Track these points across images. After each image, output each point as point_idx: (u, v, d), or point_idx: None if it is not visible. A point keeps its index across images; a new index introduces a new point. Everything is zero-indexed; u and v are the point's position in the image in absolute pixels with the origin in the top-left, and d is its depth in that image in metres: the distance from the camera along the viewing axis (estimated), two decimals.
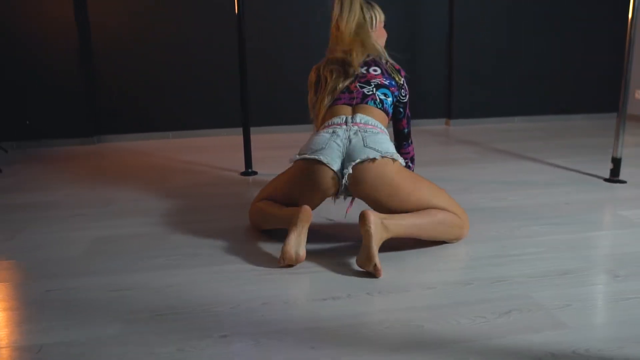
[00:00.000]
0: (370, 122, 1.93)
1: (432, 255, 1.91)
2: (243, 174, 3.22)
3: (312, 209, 1.88)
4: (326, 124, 1.97)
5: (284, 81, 4.59)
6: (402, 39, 4.75)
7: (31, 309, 1.55)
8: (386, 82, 2.04)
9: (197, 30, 4.46)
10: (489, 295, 1.59)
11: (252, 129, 3.28)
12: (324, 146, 1.86)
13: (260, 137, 4.43)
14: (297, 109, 4.41)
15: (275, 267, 1.81)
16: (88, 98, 4.38)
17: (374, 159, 1.81)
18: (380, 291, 1.63)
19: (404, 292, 1.62)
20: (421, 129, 4.82)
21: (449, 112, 4.98)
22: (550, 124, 5.04)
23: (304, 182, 1.90)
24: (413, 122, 4.93)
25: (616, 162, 2.93)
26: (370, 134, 1.88)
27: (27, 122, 4.32)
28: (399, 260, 1.86)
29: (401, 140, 2.20)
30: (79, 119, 4.39)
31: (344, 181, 1.85)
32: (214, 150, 4.04)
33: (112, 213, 2.51)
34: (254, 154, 3.35)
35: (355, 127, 1.90)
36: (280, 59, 4.59)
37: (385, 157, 1.83)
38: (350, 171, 1.82)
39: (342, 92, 2.01)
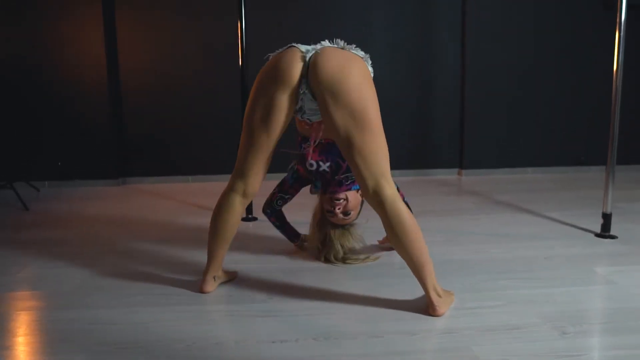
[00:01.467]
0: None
1: (387, 305, 2.00)
2: (244, 219, 3.39)
3: (275, 132, 1.92)
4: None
5: (291, 128, 4.79)
6: (414, 89, 4.91)
7: (7, 337, 1.74)
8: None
9: (220, 80, 4.76)
10: (431, 347, 1.67)
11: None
12: (292, 44, 1.91)
13: (266, 183, 4.61)
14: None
15: (236, 308, 1.96)
16: (115, 142, 4.72)
17: (339, 47, 1.89)
18: (327, 337, 1.73)
19: (351, 339, 1.72)
20: (433, 179, 4.92)
21: (461, 162, 5.06)
22: (564, 175, 5.03)
23: (269, 79, 1.85)
24: (424, 171, 5.06)
25: (606, 218, 2.95)
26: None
27: (59, 163, 4.68)
28: (350, 307, 1.97)
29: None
30: (107, 161, 4.72)
31: (307, 58, 1.82)
32: None
33: (114, 251, 2.72)
34: (256, 200, 3.52)
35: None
36: None
37: (349, 48, 1.89)
38: (318, 47, 1.86)
39: None
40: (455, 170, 5.12)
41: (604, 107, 5.07)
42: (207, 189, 4.53)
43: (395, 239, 1.82)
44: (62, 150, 4.67)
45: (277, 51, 1.95)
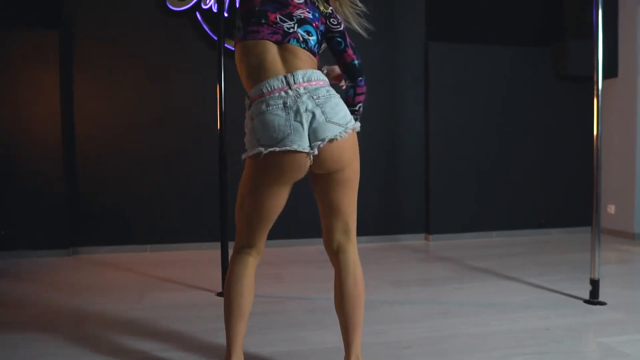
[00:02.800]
0: (313, 77, 1.72)
1: None
2: (219, 294, 3.14)
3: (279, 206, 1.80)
4: (264, 90, 1.69)
5: None
6: (380, 153, 4.92)
7: None
8: (309, 16, 1.78)
9: (180, 143, 4.57)
10: None
11: (230, 243, 3.26)
12: (288, 131, 1.65)
13: None
14: (276, 225, 4.45)
15: None
16: (66, 208, 4.37)
17: (340, 137, 1.70)
18: None
19: None
20: (401, 244, 4.85)
21: (428, 227, 5.04)
22: (528, 238, 5.11)
23: (274, 177, 1.72)
24: (392, 237, 5.00)
25: (594, 284, 2.94)
26: (323, 99, 1.69)
27: (2, 232, 4.26)
28: None
29: (355, 75, 1.85)
30: (56, 229, 4.34)
31: (310, 161, 1.70)
32: (192, 266, 3.97)
33: (71, 338, 2.40)
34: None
35: (302, 89, 1.68)
36: None
37: (348, 131, 1.72)
38: (316, 152, 1.67)
39: (260, 21, 1.74)
40: (422, 235, 5.08)
41: (560, 171, 5.30)
42: (167, 260, 4.22)
43: (344, 292, 1.81)
44: (6, 217, 4.26)
45: (266, 150, 1.68)
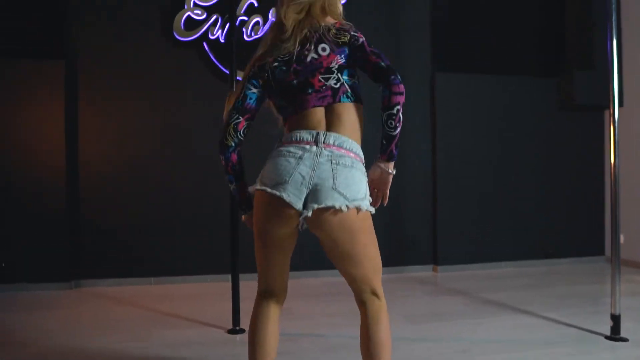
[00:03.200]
0: (344, 145, 1.66)
1: None
2: (230, 331, 3.04)
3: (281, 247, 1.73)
4: (293, 138, 1.66)
5: None
6: None
7: None
8: (342, 59, 1.69)
9: (186, 174, 4.51)
10: None
11: (241, 276, 3.18)
12: (287, 178, 1.60)
13: (251, 284, 4.31)
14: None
15: None
16: (68, 240, 4.27)
17: (339, 209, 1.59)
18: None
19: None
20: (408, 276, 4.76)
21: (436, 258, 4.96)
22: (536, 269, 5.02)
23: (268, 220, 1.66)
24: (399, 268, 4.91)
25: (615, 320, 2.87)
26: (342, 167, 1.62)
27: (2, 264, 4.15)
28: None
29: (386, 75, 1.66)
30: (58, 261, 4.24)
31: (300, 219, 1.62)
32: (199, 300, 3.87)
33: None
34: (243, 305, 3.20)
35: (327, 152, 1.62)
36: None
37: (351, 207, 1.60)
38: (309, 214, 1.58)
39: (306, 90, 1.67)
40: (430, 266, 5.00)
41: (567, 200, 5.26)
42: (172, 293, 4.12)
43: (370, 339, 1.71)
44: (8, 249, 4.16)
45: (260, 187, 1.66)
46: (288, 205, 1.59)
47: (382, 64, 1.66)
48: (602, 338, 2.87)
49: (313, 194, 1.59)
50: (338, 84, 1.68)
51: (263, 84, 1.75)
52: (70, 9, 4.36)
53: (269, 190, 1.61)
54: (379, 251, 1.76)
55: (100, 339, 2.90)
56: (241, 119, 1.76)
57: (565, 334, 2.95)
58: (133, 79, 4.46)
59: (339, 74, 1.69)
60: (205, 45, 4.49)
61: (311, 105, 1.67)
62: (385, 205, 1.83)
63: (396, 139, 1.70)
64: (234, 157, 1.77)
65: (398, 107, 1.66)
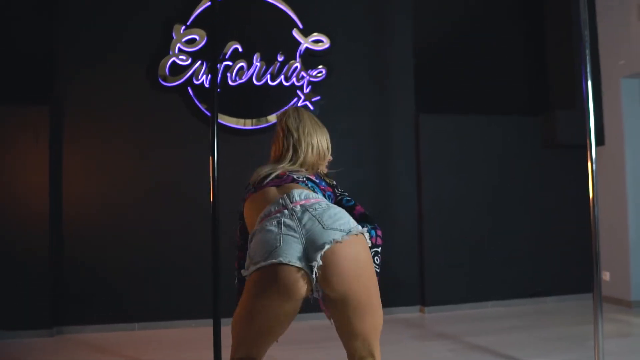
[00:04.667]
0: (311, 196, 1.69)
1: None
2: None
3: (282, 329, 1.66)
4: (262, 216, 1.69)
5: None
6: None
7: None
8: (316, 180, 1.86)
9: (170, 218, 4.50)
10: None
11: (224, 320, 3.14)
12: (277, 244, 1.55)
13: None
14: None
15: None
16: (50, 286, 4.22)
17: (340, 240, 1.55)
18: None
19: None
20: (395, 317, 4.73)
21: (423, 299, 4.94)
22: (524, 308, 5.00)
23: (268, 296, 1.55)
24: (386, 309, 4.85)
25: None
26: (320, 211, 1.62)
27: None
28: None
29: (372, 221, 1.83)
30: (39, 307, 4.18)
31: (314, 275, 1.53)
32: (183, 347, 3.81)
33: None
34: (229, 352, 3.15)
35: (299, 207, 1.64)
36: None
37: (352, 234, 1.59)
38: (320, 262, 1.52)
39: (266, 180, 1.84)
40: (417, 307, 4.97)
41: (553, 238, 5.27)
42: (156, 339, 4.06)
43: None
44: None
45: (254, 267, 1.59)
46: (289, 268, 1.52)
47: (366, 212, 1.89)
48: None
49: (312, 246, 1.55)
50: (299, 178, 1.84)
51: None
52: (55, 55, 4.41)
53: (263, 263, 1.54)
54: (381, 308, 1.72)
55: None
56: None
57: None
58: (118, 124, 4.48)
59: (304, 178, 1.85)
60: (190, 90, 4.54)
61: (268, 185, 1.82)
62: None
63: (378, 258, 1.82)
64: None
65: (376, 249, 1.80)
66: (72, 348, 3.86)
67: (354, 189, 4.81)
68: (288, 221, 1.60)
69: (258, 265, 1.56)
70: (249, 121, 4.64)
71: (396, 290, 4.91)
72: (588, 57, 3.07)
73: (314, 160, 1.93)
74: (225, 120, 4.56)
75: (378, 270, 1.76)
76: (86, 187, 4.42)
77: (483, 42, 5.43)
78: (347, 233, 1.58)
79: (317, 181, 1.86)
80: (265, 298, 1.56)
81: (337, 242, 1.55)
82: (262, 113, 4.66)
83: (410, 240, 5.00)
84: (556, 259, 5.28)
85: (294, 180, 1.80)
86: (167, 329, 4.39)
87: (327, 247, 1.53)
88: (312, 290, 1.59)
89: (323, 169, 2.00)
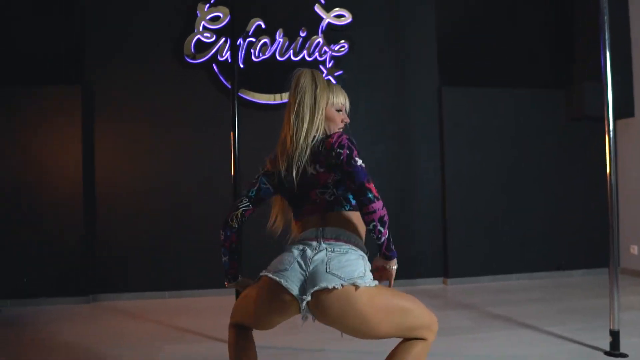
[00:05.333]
0: (342, 236, 1.79)
1: None
2: None
3: (273, 326, 1.82)
4: (299, 238, 1.83)
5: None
6: (397, 197, 4.93)
7: None
8: (338, 176, 1.81)
9: (198, 192, 4.65)
10: None
11: None
12: (287, 267, 1.72)
13: None
14: None
15: None
16: (87, 257, 4.45)
17: (333, 288, 1.65)
18: None
19: None
20: (419, 289, 4.80)
21: (446, 270, 4.99)
22: (548, 281, 5.01)
23: (265, 301, 1.76)
24: (409, 281, 4.96)
25: (615, 335, 2.87)
26: (337, 254, 1.73)
27: (25, 280, 4.34)
28: None
29: (359, 200, 1.73)
30: (77, 277, 4.42)
31: (302, 307, 1.70)
32: (209, 315, 3.98)
33: None
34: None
35: (325, 244, 1.75)
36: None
37: (347, 285, 1.66)
38: (309, 298, 1.67)
39: (306, 200, 1.85)
40: (440, 279, 5.03)
41: (579, 212, 5.22)
42: (184, 307, 4.25)
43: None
44: (29, 266, 4.36)
45: (264, 272, 1.77)
46: (285, 291, 1.69)
47: (355, 186, 1.73)
48: (602, 354, 2.87)
49: (310, 280, 1.68)
50: (332, 197, 1.83)
51: (274, 184, 1.93)
52: (85, 35, 4.57)
53: (270, 275, 1.73)
54: (411, 311, 1.79)
55: (113, 353, 3.03)
56: (251, 207, 1.95)
57: (565, 350, 2.96)
58: (146, 101, 4.63)
59: (334, 189, 1.83)
60: (215, 67, 4.64)
61: (309, 214, 1.85)
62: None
63: (384, 245, 1.80)
64: (234, 237, 1.98)
65: (373, 223, 1.73)
66: (107, 313, 4.08)
67: (376, 164, 4.88)
68: (309, 252, 1.74)
69: (266, 273, 1.76)
70: (272, 96, 4.73)
71: (420, 262, 4.98)
72: (607, 26, 3.02)
73: (318, 122, 1.87)
74: (249, 95, 4.66)
75: (383, 241, 1.79)
76: (117, 162, 4.60)
77: (507, 13, 5.35)
78: (347, 280, 1.66)
79: (337, 175, 1.81)
80: (263, 301, 1.76)
81: (328, 289, 1.65)
82: (286, 88, 4.72)
83: (434, 214, 5.04)
84: (582, 232, 5.24)
85: (329, 205, 1.84)
86: (196, 297, 4.58)
87: (316, 288, 1.66)
88: (302, 315, 1.75)
89: (334, 128, 1.94)
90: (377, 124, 4.94)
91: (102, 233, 4.56)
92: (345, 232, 1.80)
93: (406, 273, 4.95)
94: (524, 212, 5.13)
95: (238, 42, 4.61)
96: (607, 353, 2.88)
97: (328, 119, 1.93)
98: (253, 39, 4.66)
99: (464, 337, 3.27)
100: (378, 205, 1.72)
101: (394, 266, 1.88)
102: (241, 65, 4.64)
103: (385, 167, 4.94)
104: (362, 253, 1.79)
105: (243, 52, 4.64)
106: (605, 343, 2.96)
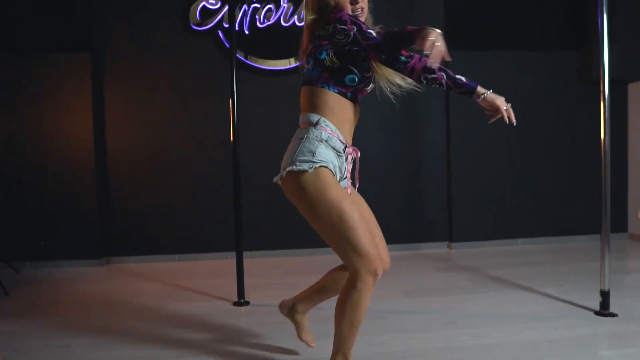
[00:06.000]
0: (300, 121, 1.97)
1: None
2: (235, 304, 3.28)
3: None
4: None
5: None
6: (402, 162, 4.96)
7: None
8: (311, 48, 1.93)
9: (206, 158, 4.76)
10: None
11: (254, 253, 3.37)
12: None
13: (261, 261, 4.58)
14: (289, 233, 4.62)
15: None
16: (100, 221, 4.62)
17: (276, 182, 1.95)
18: None
19: None
20: (422, 253, 4.88)
21: (451, 235, 5.05)
22: (554, 245, 5.03)
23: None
24: (415, 245, 5.03)
25: (605, 295, 2.92)
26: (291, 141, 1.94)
27: (42, 243, 4.54)
28: None
29: (395, 66, 1.81)
30: (91, 241, 4.60)
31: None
32: (214, 276, 4.13)
33: (95, 345, 2.58)
34: (253, 281, 3.43)
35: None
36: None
37: (283, 175, 1.88)
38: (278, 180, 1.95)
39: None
40: (445, 243, 5.10)
41: (590, 177, 5.18)
42: (193, 269, 4.40)
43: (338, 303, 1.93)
44: (45, 230, 4.55)
45: None
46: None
47: (384, 57, 1.80)
48: (592, 313, 2.93)
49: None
50: (304, 70, 1.95)
51: None
52: (94, 4, 4.63)
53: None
54: (341, 229, 1.79)
55: (116, 312, 3.20)
56: None
57: (556, 309, 3.02)
58: (154, 69, 4.70)
59: (309, 61, 1.93)
60: (220, 34, 4.68)
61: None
62: (514, 124, 2.03)
63: (452, 85, 1.85)
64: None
65: (422, 80, 1.82)
66: (120, 275, 4.25)
67: (381, 131, 4.91)
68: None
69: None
70: (277, 62, 4.76)
71: (424, 227, 5.04)
72: None
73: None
74: (254, 61, 4.70)
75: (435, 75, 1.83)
76: (127, 129, 4.72)
77: None
78: (281, 174, 1.90)
79: (312, 47, 1.91)
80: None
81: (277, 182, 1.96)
82: (291, 54, 4.76)
83: (439, 177, 5.07)
84: (591, 197, 5.20)
85: (304, 80, 1.97)
86: (205, 260, 4.74)
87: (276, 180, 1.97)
88: None
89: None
90: (379, 89, 4.93)
91: (114, 200, 4.71)
92: (302, 115, 1.95)
93: (411, 237, 5.02)
94: (531, 179, 5.13)
95: (243, 8, 4.63)
96: (597, 313, 2.93)
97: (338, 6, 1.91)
98: (257, 5, 4.67)
99: (458, 296, 3.35)
100: (413, 61, 1.78)
101: (484, 94, 1.90)
102: (246, 32, 4.67)
103: (390, 134, 4.95)
104: (305, 134, 1.88)
105: (248, 19, 4.67)
106: (596, 304, 3.01)
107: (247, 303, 3.29)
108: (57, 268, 4.53)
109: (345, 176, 1.96)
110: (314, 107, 1.91)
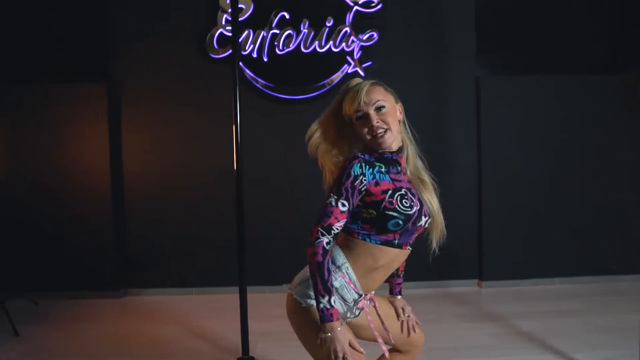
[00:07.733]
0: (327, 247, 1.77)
1: None
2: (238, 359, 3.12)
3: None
4: None
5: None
6: None
7: None
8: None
9: (224, 187, 4.59)
10: None
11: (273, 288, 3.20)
12: None
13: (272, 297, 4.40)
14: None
15: None
16: (117, 253, 4.55)
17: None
18: None
19: None
20: (450, 292, 4.58)
21: (481, 272, 4.72)
22: (594, 286, 4.61)
23: None
24: (441, 282, 4.73)
25: None
26: None
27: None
28: None
29: (309, 240, 1.70)
30: (108, 272, 4.54)
31: None
32: (228, 314, 3.97)
33: None
34: (262, 326, 3.25)
35: None
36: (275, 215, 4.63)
37: (289, 292, 1.80)
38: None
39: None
40: (475, 281, 4.77)
41: (635, 209, 4.73)
42: (210, 304, 4.28)
43: None
44: (62, 261, 4.52)
45: None
46: None
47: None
48: None
49: None
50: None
51: None
52: (110, 34, 4.56)
53: None
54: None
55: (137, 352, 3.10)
56: None
57: None
58: (172, 98, 4.61)
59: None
60: (240, 62, 4.53)
61: None
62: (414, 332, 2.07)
63: (315, 291, 1.61)
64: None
65: (309, 258, 1.65)
66: (135, 309, 4.20)
67: None
68: None
69: None
70: (295, 89, 4.56)
71: (453, 263, 4.73)
72: None
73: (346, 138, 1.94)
74: (272, 89, 4.53)
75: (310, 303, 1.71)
76: (144, 159, 4.64)
77: None
78: (289, 289, 1.81)
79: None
80: None
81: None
82: (310, 81, 4.55)
83: (469, 213, 4.75)
84: (635, 233, 4.76)
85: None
86: (221, 294, 4.59)
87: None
88: None
89: (365, 141, 1.87)
90: (409, 117, 4.66)
91: (130, 231, 4.64)
92: (335, 247, 1.82)
93: (439, 274, 4.73)
94: (569, 211, 4.73)
95: (261, 35, 4.47)
96: None
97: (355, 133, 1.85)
98: (277, 31, 4.49)
99: (480, 359, 3.06)
100: (320, 253, 1.62)
101: (326, 341, 1.56)
102: (265, 59, 4.50)
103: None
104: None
105: (267, 45, 4.49)
106: None
107: (251, 359, 3.11)
108: (74, 300, 4.48)
109: (356, 309, 1.81)
110: (346, 247, 1.76)
